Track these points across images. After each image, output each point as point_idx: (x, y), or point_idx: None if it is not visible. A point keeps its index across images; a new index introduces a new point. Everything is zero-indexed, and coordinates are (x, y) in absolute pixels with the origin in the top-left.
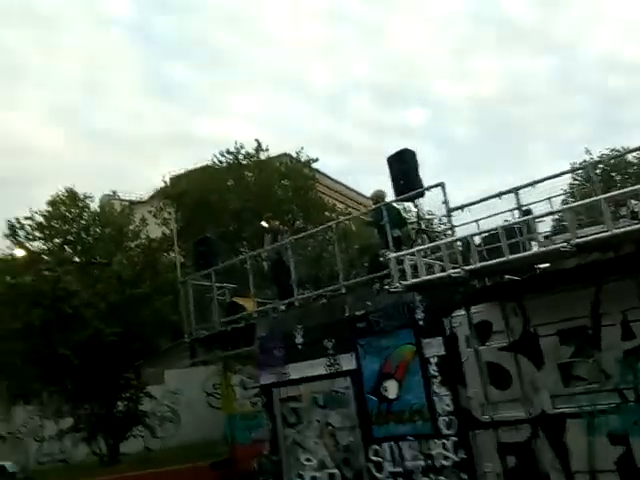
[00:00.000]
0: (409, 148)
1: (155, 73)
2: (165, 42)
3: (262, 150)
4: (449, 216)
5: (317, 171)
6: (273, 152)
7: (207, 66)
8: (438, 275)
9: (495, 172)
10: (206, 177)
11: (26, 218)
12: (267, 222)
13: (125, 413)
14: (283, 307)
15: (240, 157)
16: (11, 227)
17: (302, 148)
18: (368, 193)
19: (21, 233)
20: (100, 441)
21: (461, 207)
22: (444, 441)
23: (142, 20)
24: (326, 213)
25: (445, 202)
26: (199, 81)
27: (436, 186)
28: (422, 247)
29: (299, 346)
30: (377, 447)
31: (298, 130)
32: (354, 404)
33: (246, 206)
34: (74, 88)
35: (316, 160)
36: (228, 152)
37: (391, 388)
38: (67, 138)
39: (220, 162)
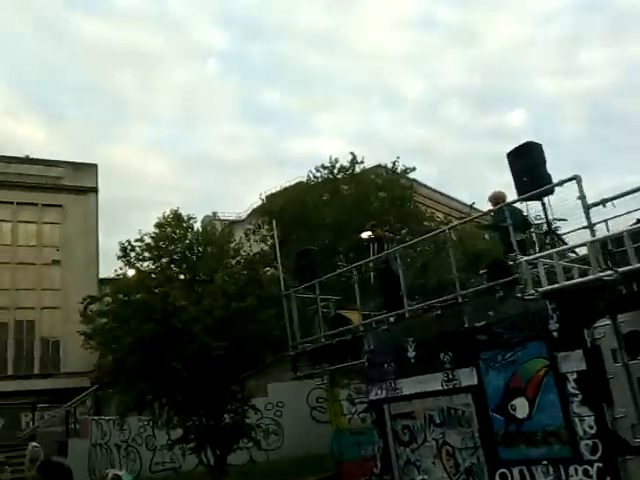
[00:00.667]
0: (533, 141)
1: (249, 98)
2: (257, 67)
3: (357, 163)
4: (587, 213)
5: (414, 181)
6: (368, 164)
7: (298, 86)
8: (584, 279)
9: (610, 171)
10: (301, 193)
11: (136, 240)
12: (372, 230)
13: (232, 425)
14: (392, 319)
15: (335, 171)
16: (123, 249)
17: (398, 158)
18: (468, 201)
19: (132, 254)
20: (208, 452)
21: (603, 202)
22: (587, 467)
23: (235, 49)
24: (425, 223)
25: (582, 197)
26: (291, 101)
27: (570, 180)
28: (561, 249)
29: (411, 360)
30: (505, 471)
31: (391, 142)
32: (476, 423)
33: (342, 220)
34: (175, 118)
35: (413, 169)
36: (323, 167)
37: (520, 406)
38: (171, 165)
39: (315, 177)
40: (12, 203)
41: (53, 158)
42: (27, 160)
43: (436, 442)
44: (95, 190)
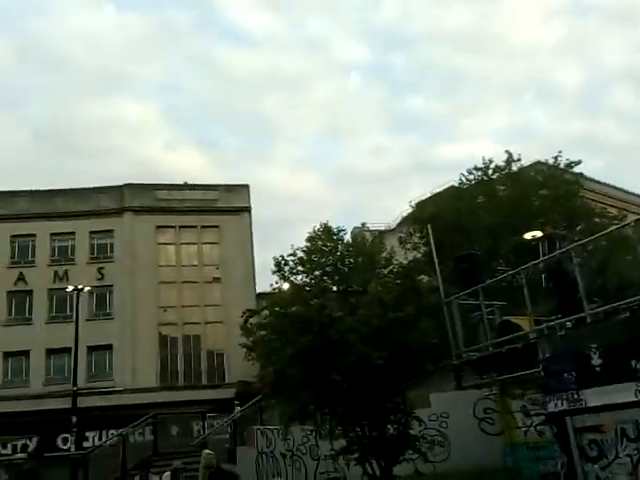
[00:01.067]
0: None
1: (393, 107)
2: (400, 76)
3: (514, 161)
4: None
5: (580, 175)
6: (525, 162)
7: (444, 90)
8: None
9: None
10: (454, 197)
11: (289, 255)
12: (542, 230)
13: (396, 436)
14: (569, 324)
15: (489, 172)
16: (277, 264)
17: (560, 152)
18: None
19: (286, 268)
20: (373, 463)
21: None
22: None
23: (377, 60)
24: (596, 220)
25: None
26: (437, 107)
27: None
28: None
29: (597, 368)
30: None
31: (549, 137)
32: None
33: (500, 222)
34: (321, 135)
35: (578, 163)
36: (476, 168)
37: None
38: (319, 181)
39: (468, 180)
40: (174, 227)
41: (208, 182)
42: (186, 186)
43: (630, 458)
44: (248, 209)
